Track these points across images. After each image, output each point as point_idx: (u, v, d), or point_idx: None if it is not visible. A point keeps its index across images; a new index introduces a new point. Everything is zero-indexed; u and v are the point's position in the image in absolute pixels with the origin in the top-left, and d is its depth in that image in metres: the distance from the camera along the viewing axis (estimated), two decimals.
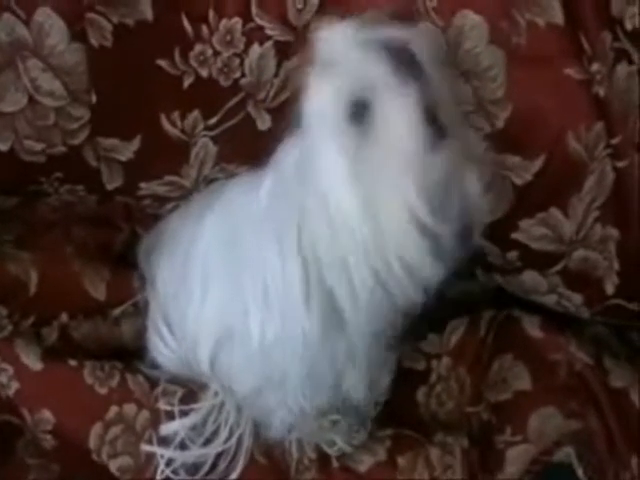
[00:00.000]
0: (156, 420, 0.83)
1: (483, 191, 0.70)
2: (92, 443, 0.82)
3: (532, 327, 0.94)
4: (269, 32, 0.81)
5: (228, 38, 0.81)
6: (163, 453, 0.81)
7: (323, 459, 0.85)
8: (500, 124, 0.81)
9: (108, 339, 0.92)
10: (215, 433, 0.83)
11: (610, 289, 0.88)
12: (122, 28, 0.80)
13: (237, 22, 0.81)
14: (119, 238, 0.98)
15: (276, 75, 0.83)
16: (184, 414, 0.83)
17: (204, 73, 0.83)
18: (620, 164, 0.82)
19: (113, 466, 0.82)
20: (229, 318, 0.79)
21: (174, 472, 0.81)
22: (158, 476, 0.81)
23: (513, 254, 0.88)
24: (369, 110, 0.64)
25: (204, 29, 0.81)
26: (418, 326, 0.86)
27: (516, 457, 0.87)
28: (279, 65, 0.82)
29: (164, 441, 0.82)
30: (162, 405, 0.83)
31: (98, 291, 0.93)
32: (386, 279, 0.67)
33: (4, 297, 0.89)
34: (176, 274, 0.86)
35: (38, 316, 0.89)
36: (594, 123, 0.80)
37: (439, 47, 0.76)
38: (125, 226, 0.98)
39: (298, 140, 0.69)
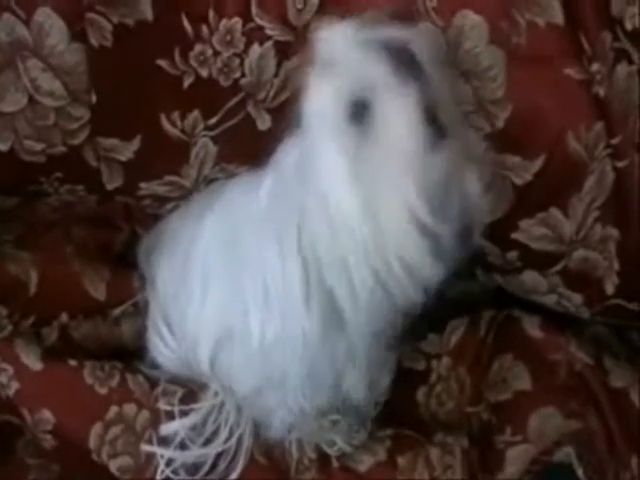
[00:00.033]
0: (156, 420, 0.83)
1: (483, 191, 0.70)
2: (92, 443, 0.82)
3: (532, 327, 0.94)
4: (269, 32, 0.81)
5: (228, 38, 0.81)
6: (163, 453, 0.81)
7: (323, 459, 0.84)
8: (500, 124, 0.81)
9: (108, 339, 0.92)
10: (215, 433, 0.83)
11: (610, 289, 0.88)
12: (122, 28, 0.80)
13: (237, 22, 0.81)
14: (119, 238, 0.98)
15: (276, 75, 0.83)
16: (184, 414, 0.83)
17: (204, 73, 0.83)
18: (620, 164, 0.82)
19: (113, 466, 0.82)
20: (229, 318, 0.79)
21: (174, 472, 0.81)
22: (158, 476, 0.81)
23: (513, 254, 0.88)
24: (369, 110, 0.64)
25: (204, 29, 0.81)
26: (418, 326, 0.86)
27: (516, 457, 0.86)
28: (279, 65, 0.82)
29: (164, 441, 0.82)
30: (162, 405, 0.83)
31: (98, 291, 0.93)
32: (386, 279, 0.67)
33: (4, 297, 0.89)
34: (176, 274, 0.86)
35: (38, 316, 0.89)
36: (594, 123, 0.80)
37: (439, 47, 0.76)
38: (125, 226, 0.98)
39: (298, 140, 0.69)
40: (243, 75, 0.83)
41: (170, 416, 0.83)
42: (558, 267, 0.88)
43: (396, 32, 0.66)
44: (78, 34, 0.79)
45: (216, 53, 0.82)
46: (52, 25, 0.79)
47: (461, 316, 0.95)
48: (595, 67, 0.78)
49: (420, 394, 0.92)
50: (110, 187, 0.90)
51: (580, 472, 0.85)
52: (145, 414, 0.83)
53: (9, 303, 0.89)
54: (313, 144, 0.66)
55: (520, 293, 0.94)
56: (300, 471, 0.84)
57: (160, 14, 0.80)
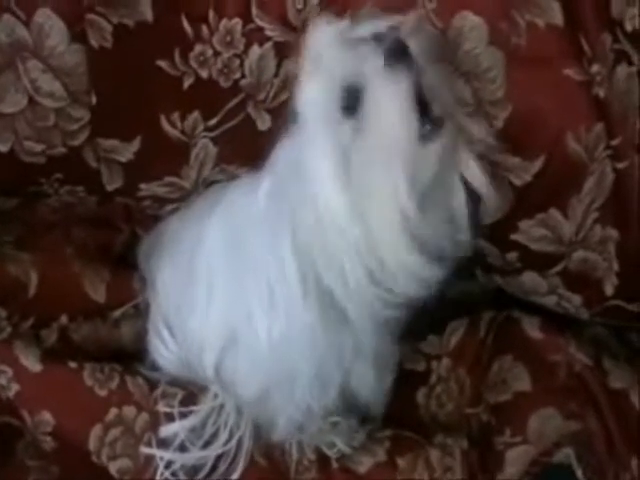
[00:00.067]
0: (156, 422, 0.83)
1: (487, 182, 0.70)
2: (92, 445, 0.82)
3: (532, 328, 0.94)
4: (269, 33, 0.81)
5: (228, 39, 0.81)
6: (163, 455, 0.81)
7: (323, 460, 0.84)
8: (500, 125, 0.80)
9: (108, 341, 0.92)
10: (215, 435, 0.83)
11: (609, 290, 0.88)
12: (122, 29, 0.80)
13: (237, 23, 0.81)
14: (119, 239, 0.98)
15: (276, 75, 0.83)
16: (184, 416, 0.83)
17: (204, 74, 0.83)
18: (620, 165, 0.82)
19: (113, 468, 0.82)
20: (234, 322, 0.79)
21: (174, 474, 0.81)
22: (158, 478, 0.81)
23: (513, 255, 0.88)
24: (361, 101, 0.64)
25: (204, 30, 0.81)
26: (418, 327, 0.86)
27: (516, 458, 0.87)
28: (279, 66, 0.82)
29: (164, 443, 0.82)
30: (162, 407, 0.83)
31: (98, 293, 0.92)
32: (381, 279, 0.67)
33: (4, 298, 0.89)
34: (179, 278, 0.86)
35: (38, 317, 0.89)
36: (594, 124, 0.80)
37: (433, 39, 0.75)
38: (125, 227, 0.98)
39: (294, 138, 0.69)
40: (243, 76, 0.83)
41: (170, 418, 0.83)
42: (558, 268, 0.88)
43: (388, 23, 0.66)
44: (78, 35, 0.79)
45: (216, 54, 0.82)
46: (52, 26, 0.79)
47: (461, 317, 0.95)
48: (595, 68, 0.78)
49: (420, 395, 0.92)
50: (110, 188, 0.90)
51: (580, 473, 0.85)
52: (145, 416, 0.83)
53: (9, 304, 0.89)
54: (306, 139, 0.66)
55: (520, 294, 0.94)
56: (300, 472, 0.84)
57: (160, 15, 0.80)
